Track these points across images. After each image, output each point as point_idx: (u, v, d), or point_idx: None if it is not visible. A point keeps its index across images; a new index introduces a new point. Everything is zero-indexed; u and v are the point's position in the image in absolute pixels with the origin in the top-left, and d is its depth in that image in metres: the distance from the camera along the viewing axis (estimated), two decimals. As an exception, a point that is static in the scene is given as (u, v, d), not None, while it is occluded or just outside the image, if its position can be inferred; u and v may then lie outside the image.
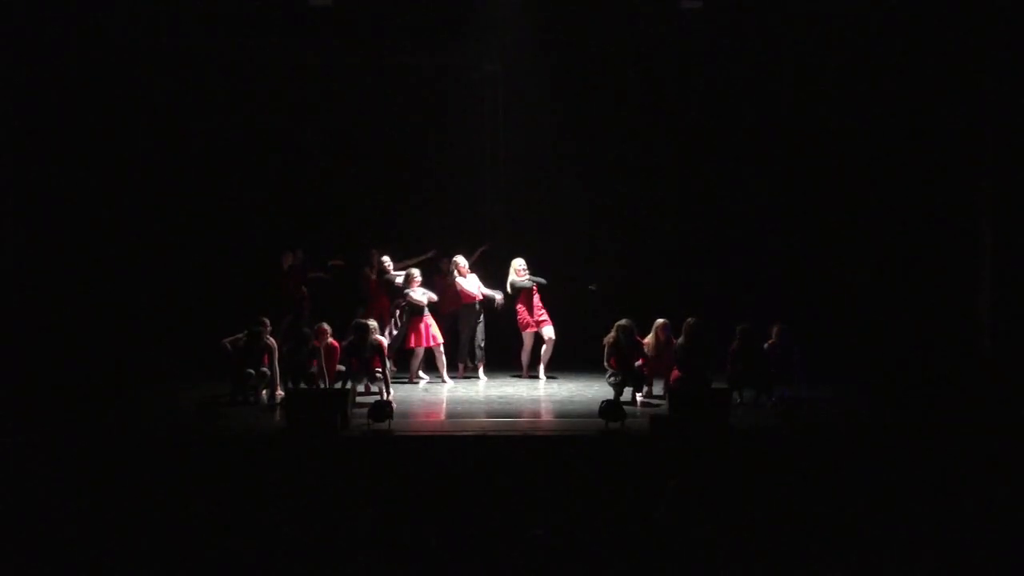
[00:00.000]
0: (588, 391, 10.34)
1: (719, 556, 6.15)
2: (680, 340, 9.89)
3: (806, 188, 12.49)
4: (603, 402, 8.47)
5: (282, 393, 9.77)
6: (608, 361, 9.91)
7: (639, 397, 9.84)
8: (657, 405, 9.59)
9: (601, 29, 12.03)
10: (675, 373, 9.81)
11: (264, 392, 9.81)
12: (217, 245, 12.18)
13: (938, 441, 8.09)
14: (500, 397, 10.30)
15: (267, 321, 9.91)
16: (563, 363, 11.42)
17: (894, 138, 12.04)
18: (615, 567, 6.13)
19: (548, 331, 11.09)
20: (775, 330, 9.93)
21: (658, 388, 10.08)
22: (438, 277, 11.47)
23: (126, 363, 11.01)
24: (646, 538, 6.43)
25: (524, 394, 10.49)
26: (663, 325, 10.05)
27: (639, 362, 9.84)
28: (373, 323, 10.06)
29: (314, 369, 9.73)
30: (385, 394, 9.58)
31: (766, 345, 9.87)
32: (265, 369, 9.75)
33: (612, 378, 9.78)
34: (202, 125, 12.20)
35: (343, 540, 6.45)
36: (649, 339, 10.05)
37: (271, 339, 9.86)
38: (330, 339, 9.98)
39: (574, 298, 12.10)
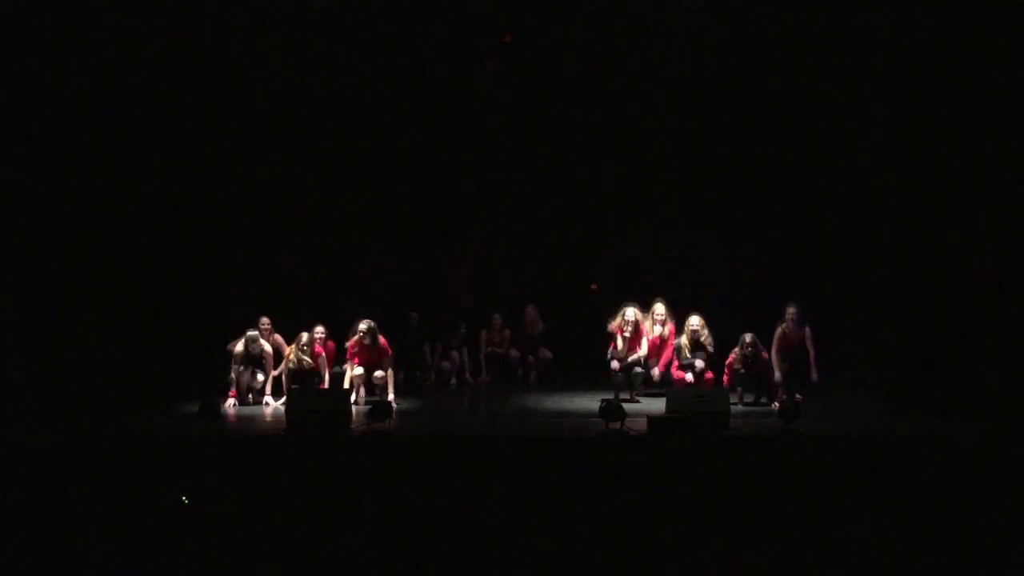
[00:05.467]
0: (588, 392, 10.33)
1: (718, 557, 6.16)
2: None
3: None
4: (603, 402, 8.45)
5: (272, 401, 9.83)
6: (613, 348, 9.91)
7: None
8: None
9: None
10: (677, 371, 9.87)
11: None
12: (218, 249, 12.15)
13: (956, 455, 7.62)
14: (500, 399, 10.35)
15: (267, 322, 9.98)
16: (563, 363, 11.45)
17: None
18: (616, 567, 6.14)
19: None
20: (789, 312, 9.62)
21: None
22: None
23: (127, 364, 11.01)
24: (647, 538, 6.44)
25: (523, 395, 10.55)
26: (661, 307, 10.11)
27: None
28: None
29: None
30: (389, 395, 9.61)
31: (778, 329, 9.61)
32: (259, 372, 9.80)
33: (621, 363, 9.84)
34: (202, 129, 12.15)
35: (343, 540, 6.46)
36: (646, 324, 10.07)
37: (269, 342, 9.90)
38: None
39: (574, 298, 12.12)
